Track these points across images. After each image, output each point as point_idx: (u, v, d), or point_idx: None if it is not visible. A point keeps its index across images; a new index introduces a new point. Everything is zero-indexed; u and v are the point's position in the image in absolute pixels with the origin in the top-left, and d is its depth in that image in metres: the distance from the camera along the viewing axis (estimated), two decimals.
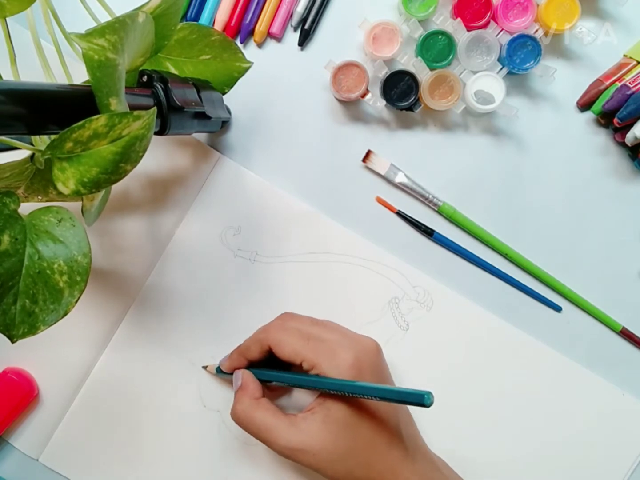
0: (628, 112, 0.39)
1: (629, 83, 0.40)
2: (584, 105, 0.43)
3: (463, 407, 0.42)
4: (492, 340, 0.42)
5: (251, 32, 0.42)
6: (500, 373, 0.42)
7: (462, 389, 0.42)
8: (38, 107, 0.25)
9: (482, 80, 0.40)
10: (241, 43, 0.43)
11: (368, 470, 0.33)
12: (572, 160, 0.43)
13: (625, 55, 0.42)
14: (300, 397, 0.40)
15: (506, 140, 0.43)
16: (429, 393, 0.28)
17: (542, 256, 0.43)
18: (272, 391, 0.40)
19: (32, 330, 0.28)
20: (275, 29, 0.42)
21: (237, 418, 0.35)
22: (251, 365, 0.38)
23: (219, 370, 0.40)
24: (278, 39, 0.43)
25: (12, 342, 0.28)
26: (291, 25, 0.43)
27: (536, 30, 0.39)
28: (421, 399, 0.28)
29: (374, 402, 0.34)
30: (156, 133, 0.32)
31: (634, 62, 0.41)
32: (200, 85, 0.35)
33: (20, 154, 0.31)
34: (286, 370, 0.37)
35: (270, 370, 0.37)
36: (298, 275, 0.42)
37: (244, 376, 0.37)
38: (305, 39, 0.42)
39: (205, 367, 0.41)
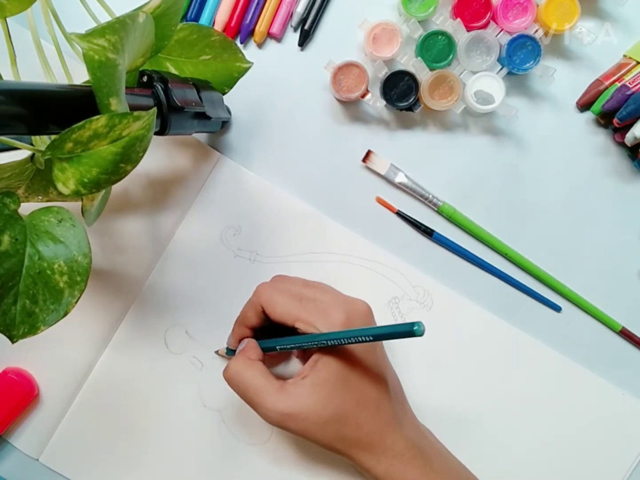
0: (628, 112, 0.39)
1: (629, 83, 0.40)
2: (584, 105, 0.43)
3: (462, 407, 0.42)
4: (492, 340, 0.42)
5: (251, 33, 0.42)
6: (500, 373, 0.42)
7: (461, 389, 0.42)
8: (38, 107, 0.25)
9: (482, 81, 0.40)
10: (241, 43, 0.43)
11: (356, 432, 0.33)
12: (572, 160, 0.43)
13: (625, 56, 0.42)
14: (293, 366, 0.41)
15: (506, 140, 0.43)
16: (419, 323, 0.29)
17: (541, 256, 0.43)
18: (272, 359, 0.40)
19: (32, 330, 0.28)
20: (275, 29, 0.42)
21: (228, 375, 0.35)
22: (255, 335, 0.38)
23: (229, 352, 0.40)
24: (278, 39, 0.43)
25: (13, 342, 0.28)
26: (291, 26, 0.43)
27: (536, 31, 0.40)
28: (411, 329, 0.29)
29: (363, 359, 0.34)
30: (156, 133, 0.33)
31: (634, 62, 0.41)
32: (200, 85, 0.35)
33: (21, 154, 0.31)
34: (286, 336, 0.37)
35: (271, 339, 0.37)
36: (298, 275, 0.42)
37: (248, 342, 0.37)
38: (305, 39, 0.42)
39: (217, 352, 0.41)
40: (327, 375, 0.33)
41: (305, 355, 0.40)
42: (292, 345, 0.35)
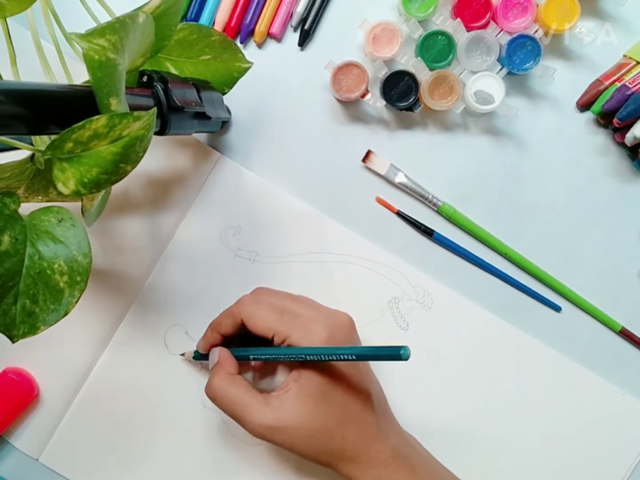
0: (628, 112, 0.39)
1: (629, 83, 0.40)
2: (584, 105, 0.43)
3: (462, 407, 0.42)
4: (492, 340, 0.42)
5: (251, 33, 0.42)
6: (500, 373, 0.42)
7: (461, 388, 0.42)
8: (38, 107, 0.25)
9: (481, 81, 0.40)
10: (241, 43, 0.43)
11: (342, 444, 0.33)
12: (572, 160, 0.43)
13: (625, 56, 0.42)
14: (279, 380, 0.40)
15: (506, 140, 0.43)
16: (405, 347, 0.28)
17: (541, 256, 0.43)
18: (252, 368, 0.40)
19: (33, 330, 0.28)
20: (275, 29, 0.42)
21: (211, 392, 0.35)
22: (225, 343, 0.37)
23: (196, 356, 0.39)
24: (278, 39, 0.43)
25: (13, 342, 0.28)
26: (291, 26, 0.43)
27: (536, 31, 0.39)
28: (397, 352, 0.28)
29: (347, 375, 0.34)
30: (156, 133, 0.33)
31: (634, 62, 0.41)
32: (200, 85, 0.35)
33: (21, 154, 0.31)
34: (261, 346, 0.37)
35: (245, 348, 0.36)
36: (298, 275, 0.42)
37: (220, 353, 0.36)
38: (305, 39, 0.42)
39: (182, 355, 0.41)
40: (311, 389, 0.33)
41: (288, 368, 0.40)
42: (267, 357, 0.35)
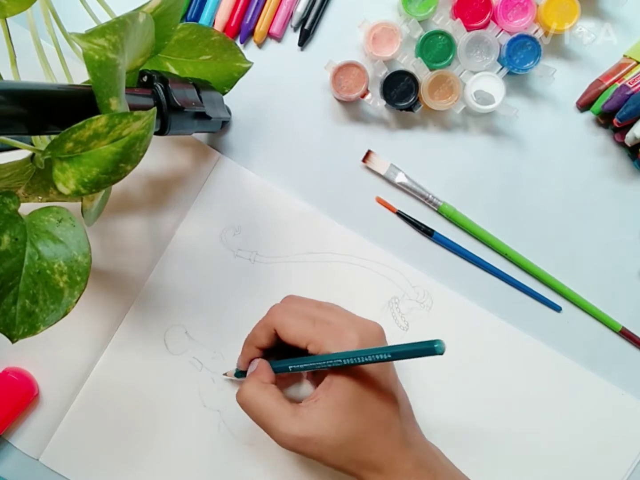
0: (628, 112, 0.39)
1: (629, 83, 0.40)
2: (584, 105, 0.43)
3: (462, 407, 0.42)
4: (492, 340, 0.42)
5: (251, 33, 0.42)
6: (500, 373, 0.42)
7: (461, 389, 0.42)
8: (38, 107, 0.25)
9: (481, 81, 0.40)
10: (241, 43, 0.43)
11: (368, 454, 0.33)
12: (572, 161, 0.43)
13: (625, 56, 0.42)
14: (310, 389, 0.40)
15: (506, 140, 0.43)
16: (439, 341, 0.28)
17: (542, 256, 0.43)
18: (283, 380, 0.40)
19: (32, 330, 0.28)
20: (275, 29, 0.42)
21: (241, 399, 0.34)
22: (265, 355, 0.37)
23: (237, 373, 0.39)
24: (278, 39, 0.43)
25: (12, 342, 0.28)
26: (291, 26, 0.43)
27: (536, 31, 0.39)
28: (432, 346, 0.28)
29: (376, 380, 0.34)
30: (156, 133, 0.33)
31: (634, 62, 0.41)
32: (200, 85, 0.35)
33: (20, 154, 0.31)
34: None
35: (284, 360, 0.36)
36: (298, 275, 0.42)
37: (259, 363, 0.36)
38: (305, 39, 0.42)
39: (225, 374, 0.41)
40: (341, 397, 0.33)
41: (316, 378, 0.40)
42: (305, 366, 0.34)
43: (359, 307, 0.42)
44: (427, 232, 0.42)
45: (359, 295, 0.42)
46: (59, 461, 0.41)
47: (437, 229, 0.42)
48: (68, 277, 0.28)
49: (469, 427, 0.42)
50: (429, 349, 0.28)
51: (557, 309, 0.43)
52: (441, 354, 0.28)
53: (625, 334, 0.43)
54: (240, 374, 0.39)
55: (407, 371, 0.41)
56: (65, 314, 0.29)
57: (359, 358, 0.32)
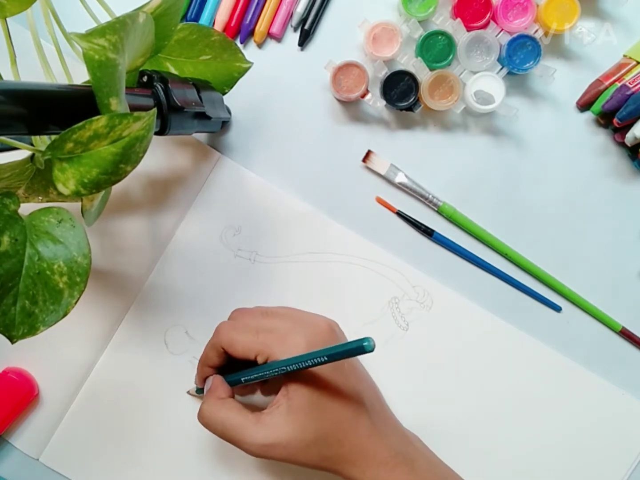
0: (628, 112, 0.39)
1: (629, 83, 0.40)
2: (584, 105, 0.43)
3: (462, 407, 0.42)
4: (492, 340, 0.42)
5: (251, 33, 0.42)
6: (500, 373, 0.42)
7: (461, 389, 0.42)
8: (38, 107, 0.25)
9: (482, 81, 0.40)
10: (241, 43, 0.43)
11: (338, 448, 0.34)
12: (572, 161, 0.43)
13: (625, 56, 0.42)
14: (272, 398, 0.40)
15: (506, 140, 0.43)
16: (369, 338, 0.29)
17: (542, 256, 0.43)
18: (245, 389, 0.40)
19: (32, 330, 0.28)
20: (275, 29, 0.42)
21: (203, 419, 0.35)
22: (223, 369, 0.37)
23: (198, 390, 0.39)
24: (278, 39, 0.43)
25: (12, 342, 0.28)
26: (291, 26, 0.43)
27: (536, 31, 0.39)
28: (361, 345, 0.29)
29: (332, 381, 0.34)
30: (156, 133, 0.32)
31: (634, 62, 0.41)
32: (200, 85, 0.35)
33: (20, 154, 0.31)
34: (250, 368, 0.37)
35: (236, 372, 0.37)
36: (298, 275, 0.42)
37: (213, 380, 0.37)
38: (305, 39, 0.42)
39: (188, 392, 0.41)
40: (300, 401, 0.33)
41: (266, 387, 0.40)
42: (255, 376, 0.35)
43: (359, 307, 0.42)
44: (427, 232, 0.42)
45: (359, 295, 0.42)
46: (59, 461, 0.41)
47: (437, 229, 0.42)
48: (68, 277, 0.28)
49: (468, 427, 0.42)
50: (359, 347, 0.29)
51: (557, 309, 0.43)
52: (371, 351, 0.29)
53: (625, 334, 0.43)
54: (201, 391, 0.39)
55: (407, 371, 0.41)
56: (65, 314, 0.29)
57: (300, 364, 0.32)
